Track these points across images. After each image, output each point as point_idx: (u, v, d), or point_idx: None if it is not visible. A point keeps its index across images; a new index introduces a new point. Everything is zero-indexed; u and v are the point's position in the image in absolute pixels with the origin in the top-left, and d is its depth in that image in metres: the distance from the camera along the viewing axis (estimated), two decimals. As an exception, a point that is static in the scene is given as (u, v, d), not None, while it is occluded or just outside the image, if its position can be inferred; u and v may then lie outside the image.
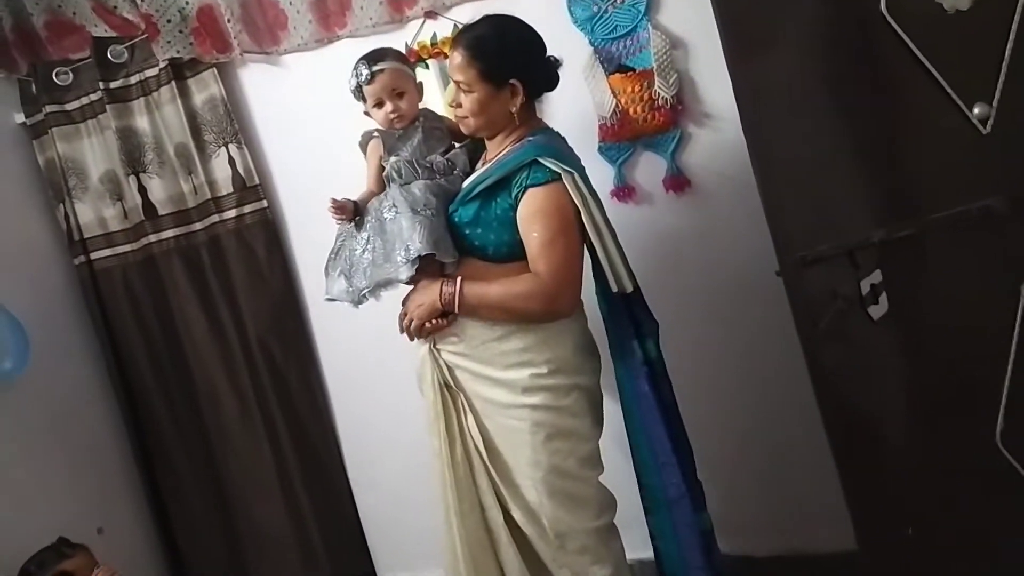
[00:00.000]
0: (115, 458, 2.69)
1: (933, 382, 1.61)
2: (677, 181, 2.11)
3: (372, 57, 1.80)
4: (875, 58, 1.57)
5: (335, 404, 2.63)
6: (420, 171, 1.76)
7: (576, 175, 1.66)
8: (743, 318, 2.10)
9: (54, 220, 2.66)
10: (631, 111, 2.07)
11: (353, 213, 1.79)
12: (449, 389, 1.76)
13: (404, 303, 1.79)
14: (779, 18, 1.55)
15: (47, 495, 2.43)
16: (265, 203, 2.51)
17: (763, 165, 1.51)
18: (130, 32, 2.49)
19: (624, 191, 2.15)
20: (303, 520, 2.59)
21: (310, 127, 2.42)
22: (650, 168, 2.14)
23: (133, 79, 2.52)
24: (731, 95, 1.49)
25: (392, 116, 1.80)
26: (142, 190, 2.56)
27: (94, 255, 2.64)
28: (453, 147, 1.84)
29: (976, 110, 1.50)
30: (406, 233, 1.68)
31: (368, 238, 1.76)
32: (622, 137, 2.12)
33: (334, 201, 1.77)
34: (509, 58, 1.68)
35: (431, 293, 1.71)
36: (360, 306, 1.78)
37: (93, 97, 2.55)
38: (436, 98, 2.26)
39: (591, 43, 2.10)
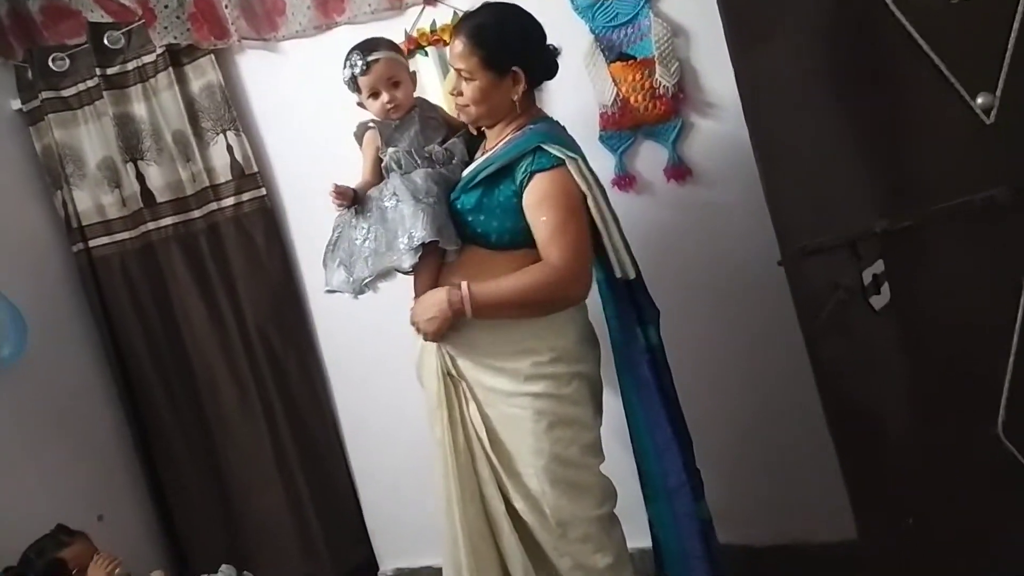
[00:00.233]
0: (115, 446, 2.70)
1: (934, 373, 1.61)
2: (678, 170, 2.10)
3: (366, 47, 1.78)
4: (878, 47, 1.56)
5: (336, 393, 2.63)
6: (420, 161, 1.75)
7: (580, 161, 1.67)
8: (744, 308, 2.10)
9: (52, 207, 2.65)
10: (632, 100, 2.06)
11: (353, 199, 1.78)
12: (451, 377, 1.76)
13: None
14: (782, 6, 1.54)
15: (47, 483, 2.44)
16: (263, 191, 2.50)
17: (765, 154, 1.50)
18: (127, 18, 2.47)
19: (625, 180, 2.14)
20: (302, 509, 2.60)
21: (308, 114, 2.41)
22: (651, 157, 2.13)
23: (130, 65, 2.51)
24: (733, 84, 1.48)
25: (389, 106, 1.78)
26: (140, 177, 2.55)
27: (92, 243, 2.63)
28: (450, 137, 1.83)
29: (979, 100, 1.49)
30: (408, 221, 1.67)
31: (369, 227, 1.75)
32: (623, 126, 2.10)
33: (336, 186, 1.76)
34: (511, 46, 1.68)
35: (438, 303, 1.67)
36: (360, 297, 1.77)
37: (90, 83, 2.54)
38: (435, 86, 2.24)
39: (592, 31, 2.08)
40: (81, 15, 2.49)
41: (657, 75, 2.02)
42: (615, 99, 2.06)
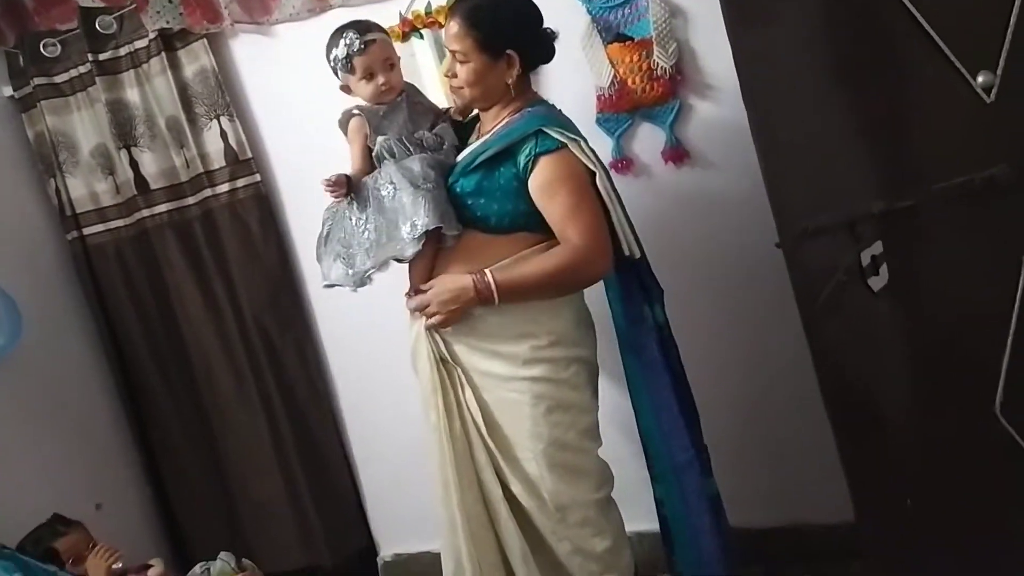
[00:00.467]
0: (112, 434, 2.69)
1: (933, 353, 1.61)
2: (676, 153, 2.08)
3: (360, 27, 1.75)
4: (878, 26, 1.55)
5: (336, 380, 2.62)
6: (412, 148, 1.73)
7: (583, 142, 1.67)
8: (742, 291, 2.09)
9: (45, 195, 2.63)
10: (629, 81, 2.04)
11: (348, 188, 1.75)
12: (446, 363, 1.75)
13: (415, 290, 1.75)
14: (781, -15, 1.53)
15: (44, 472, 2.43)
16: (258, 177, 2.48)
17: (763, 136, 1.49)
18: (118, 2, 2.44)
19: (622, 163, 2.13)
20: (300, 496, 2.60)
21: (303, 99, 2.39)
22: (648, 140, 2.11)
23: (122, 51, 2.48)
24: (731, 65, 1.47)
25: (383, 88, 1.74)
26: (133, 164, 2.53)
27: (87, 230, 2.61)
28: (437, 122, 1.80)
29: (980, 79, 1.48)
30: (409, 209, 1.65)
31: (366, 217, 1.72)
32: (620, 108, 2.09)
33: (330, 177, 1.73)
34: (506, 29, 1.67)
35: (460, 290, 1.66)
36: (359, 289, 1.76)
37: (82, 69, 2.51)
38: (431, 69, 2.23)
39: (589, 12, 2.06)
40: (72, 0, 2.46)
41: (655, 56, 2.00)
42: (612, 81, 2.05)
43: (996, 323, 1.56)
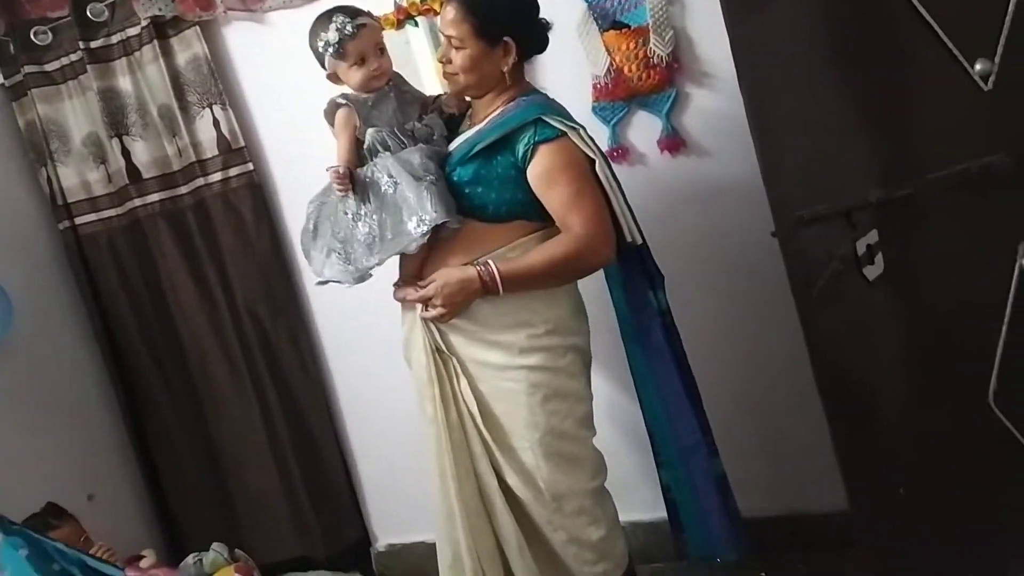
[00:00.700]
0: (105, 424, 2.68)
1: (927, 343, 1.61)
2: (672, 142, 2.08)
3: (349, 11, 1.71)
4: (875, 13, 1.54)
5: (332, 370, 2.61)
6: (405, 140, 1.70)
7: (582, 130, 1.67)
8: (738, 280, 2.09)
9: (36, 184, 2.62)
10: (626, 69, 2.03)
11: (353, 182, 1.69)
12: (441, 353, 1.74)
13: (406, 281, 1.74)
14: (778, -28, 1.52)
15: (36, 462, 2.42)
16: (251, 166, 2.46)
17: (760, 124, 1.49)
18: (110, -11, 2.42)
19: (618, 152, 2.12)
20: (293, 487, 2.60)
21: (296, 87, 2.36)
22: (645, 128, 2.10)
23: (114, 38, 2.46)
24: (728, 53, 1.46)
25: (375, 74, 1.71)
26: (125, 153, 2.51)
27: (79, 220, 2.60)
28: (425, 112, 1.77)
29: (978, 66, 1.47)
30: (414, 202, 1.62)
31: (365, 212, 1.68)
32: (616, 96, 2.08)
33: (338, 170, 1.67)
34: (503, 15, 1.66)
35: (465, 281, 1.65)
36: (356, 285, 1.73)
37: (73, 57, 2.49)
38: (426, 57, 2.21)
39: (585, -1, 2.05)
40: (63, -13, 2.45)
41: (651, 44, 1.99)
42: (608, 69, 2.04)
43: (991, 313, 1.56)
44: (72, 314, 2.65)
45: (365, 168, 1.71)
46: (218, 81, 2.42)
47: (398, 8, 2.19)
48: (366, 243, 1.68)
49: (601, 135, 2.09)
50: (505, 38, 1.66)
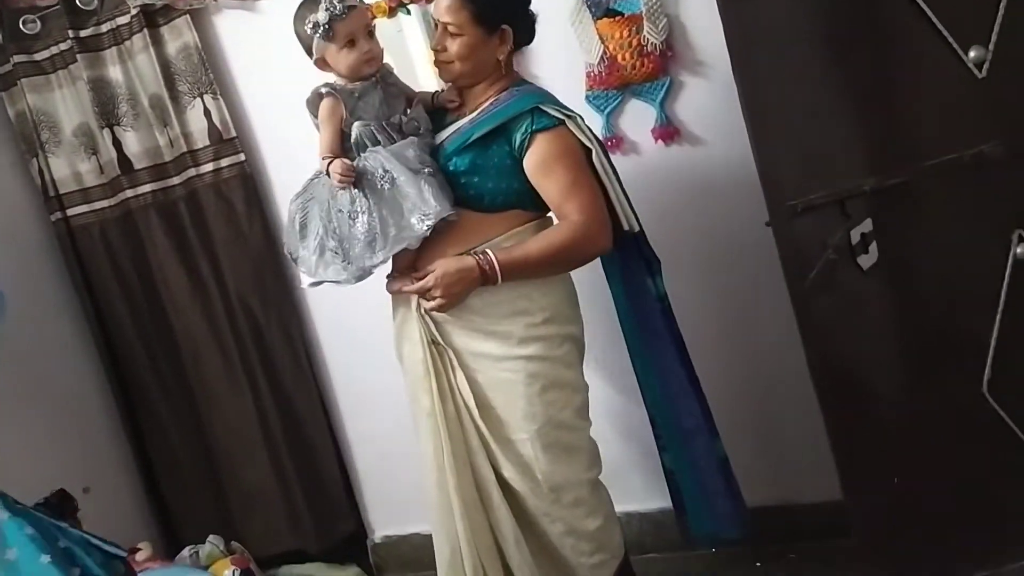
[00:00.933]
0: (99, 417, 2.67)
1: (921, 331, 1.61)
2: (666, 131, 2.06)
3: None
4: (869, 2, 1.53)
5: (327, 361, 2.59)
6: (393, 134, 1.67)
7: (579, 119, 1.67)
8: (732, 269, 2.09)
9: (28, 175, 2.59)
10: (619, 58, 2.02)
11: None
12: (436, 346, 1.73)
13: (400, 272, 1.72)
14: (772, -42, 1.51)
15: (31, 455, 2.41)
16: (243, 156, 2.44)
17: (754, 113, 1.49)
18: (99, -23, 2.40)
19: (612, 141, 2.11)
20: (287, 479, 2.59)
21: (288, 77, 2.33)
22: (638, 117, 2.09)
23: (104, 27, 2.43)
24: (722, 41, 1.45)
25: (366, 57, 1.66)
26: (116, 143, 2.49)
27: (70, 211, 2.57)
28: (409, 106, 1.73)
29: (972, 54, 1.47)
30: (415, 197, 1.60)
31: (362, 208, 1.62)
32: (610, 85, 2.06)
33: (343, 163, 1.62)
34: (502, 2, 1.65)
35: (465, 271, 1.63)
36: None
37: (63, 46, 2.46)
38: (420, 46, 2.19)
39: (578, -14, 2.03)
40: (51, -25, 2.42)
41: (645, 32, 1.97)
42: (602, 57, 2.02)
43: (985, 301, 1.56)
44: (65, 306, 2.63)
45: (355, 162, 1.66)
46: (209, 70, 2.39)
47: (390, -5, 2.17)
48: (367, 240, 1.63)
49: (595, 124, 2.07)
50: (503, 26, 1.65)
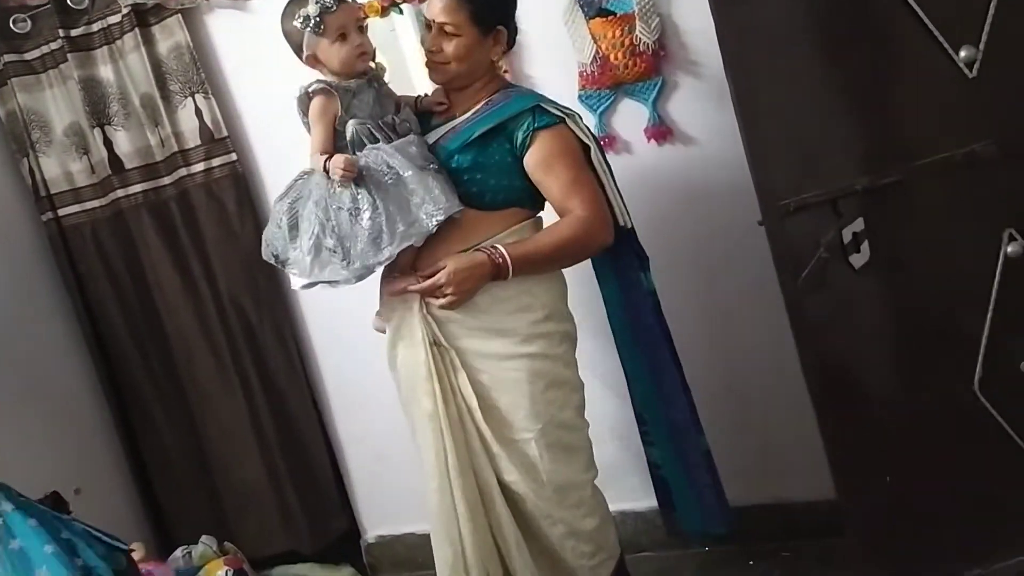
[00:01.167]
0: (92, 417, 2.66)
1: (913, 330, 1.61)
2: (659, 130, 2.07)
3: None
4: (861, 2, 1.54)
5: (320, 361, 2.59)
6: (389, 134, 1.65)
7: (578, 117, 1.69)
8: (724, 269, 2.09)
9: (18, 175, 2.58)
10: (612, 57, 2.02)
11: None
12: (438, 347, 1.70)
13: (403, 271, 1.70)
14: (764, -42, 1.51)
15: (23, 456, 2.39)
16: (234, 156, 2.44)
17: (747, 113, 1.49)
18: (89, -25, 2.39)
19: (604, 140, 2.10)
20: (280, 479, 2.58)
21: (280, 76, 2.32)
22: (631, 117, 2.09)
23: (95, 26, 2.42)
24: (715, 41, 1.45)
25: (359, 51, 1.63)
26: (108, 143, 2.48)
27: (62, 211, 2.56)
28: (399, 110, 1.71)
29: (962, 53, 1.48)
30: (422, 193, 1.58)
31: (368, 204, 1.59)
32: (602, 84, 2.06)
33: (346, 159, 1.58)
34: (498, 3, 1.67)
35: (477, 267, 1.62)
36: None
37: (53, 46, 2.45)
38: (412, 46, 2.19)
39: (571, -14, 2.03)
40: (41, -26, 2.41)
41: (637, 31, 1.98)
42: (594, 57, 2.02)
43: (976, 300, 1.56)
44: (56, 306, 2.62)
45: (358, 157, 1.63)
46: (200, 70, 2.38)
47: (383, -5, 2.17)
48: (371, 237, 1.59)
49: (588, 123, 2.07)
50: (499, 26, 1.66)
